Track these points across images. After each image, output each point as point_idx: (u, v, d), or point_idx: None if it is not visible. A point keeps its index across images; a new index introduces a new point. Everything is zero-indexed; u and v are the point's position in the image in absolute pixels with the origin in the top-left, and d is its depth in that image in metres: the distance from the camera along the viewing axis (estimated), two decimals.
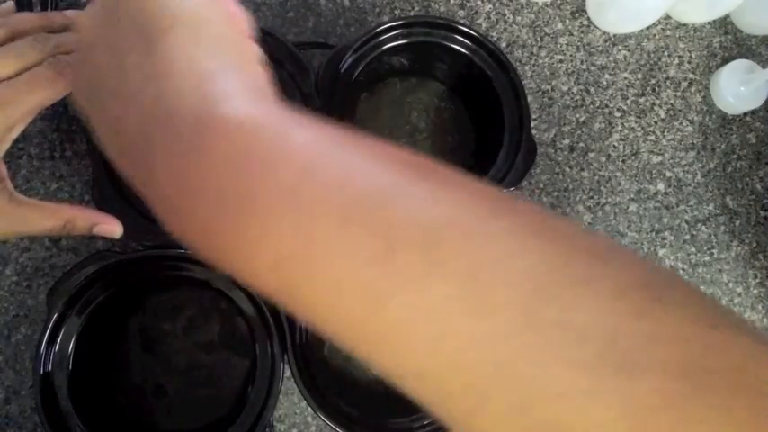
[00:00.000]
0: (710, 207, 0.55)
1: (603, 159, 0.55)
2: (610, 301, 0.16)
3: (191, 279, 0.41)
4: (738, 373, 0.15)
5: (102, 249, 0.41)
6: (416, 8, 0.55)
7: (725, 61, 0.57)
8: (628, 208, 0.54)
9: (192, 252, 0.21)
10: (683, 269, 0.54)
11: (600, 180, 0.54)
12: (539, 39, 0.56)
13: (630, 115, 0.56)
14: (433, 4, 0.55)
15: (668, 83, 0.57)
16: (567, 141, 0.55)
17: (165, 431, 0.44)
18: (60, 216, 0.35)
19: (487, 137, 0.48)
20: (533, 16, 0.56)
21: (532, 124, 0.54)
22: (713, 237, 0.55)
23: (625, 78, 0.56)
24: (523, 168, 0.43)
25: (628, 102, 0.56)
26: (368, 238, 0.17)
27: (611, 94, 0.56)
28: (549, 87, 0.55)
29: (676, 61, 0.57)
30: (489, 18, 0.56)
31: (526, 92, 0.44)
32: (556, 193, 0.54)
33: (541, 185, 0.54)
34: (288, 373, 0.40)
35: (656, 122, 0.56)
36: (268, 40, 0.42)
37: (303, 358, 0.41)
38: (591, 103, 0.55)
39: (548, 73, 0.56)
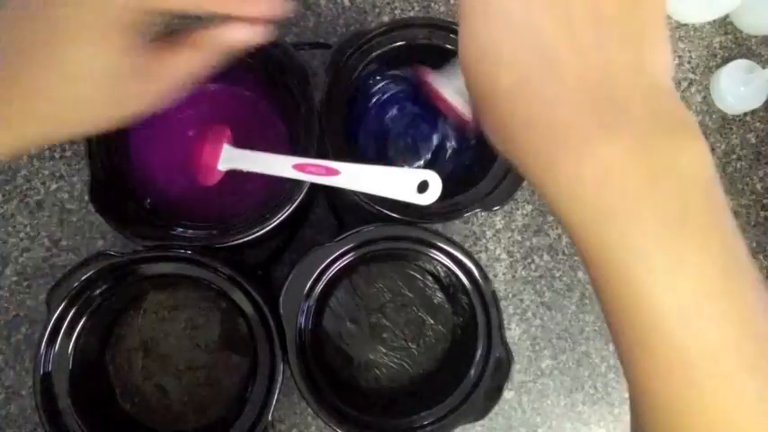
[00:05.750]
0: None
1: None
2: None
3: (191, 279, 0.41)
4: None
5: (102, 249, 0.41)
6: (416, 8, 0.55)
7: (725, 61, 0.57)
8: None
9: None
10: None
11: None
12: None
13: None
14: (433, 4, 0.55)
15: None
16: None
17: (164, 431, 0.44)
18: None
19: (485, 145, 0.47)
20: None
21: None
22: None
23: None
24: (510, 189, 0.43)
25: None
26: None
27: None
28: None
29: (676, 61, 0.57)
30: None
31: None
32: None
33: None
34: (288, 373, 0.40)
35: None
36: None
37: (303, 358, 0.41)
38: None
39: None
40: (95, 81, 0.23)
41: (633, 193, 0.19)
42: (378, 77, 0.48)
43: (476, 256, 0.43)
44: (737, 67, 0.56)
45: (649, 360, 0.20)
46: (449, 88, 0.39)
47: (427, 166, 0.48)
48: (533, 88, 0.21)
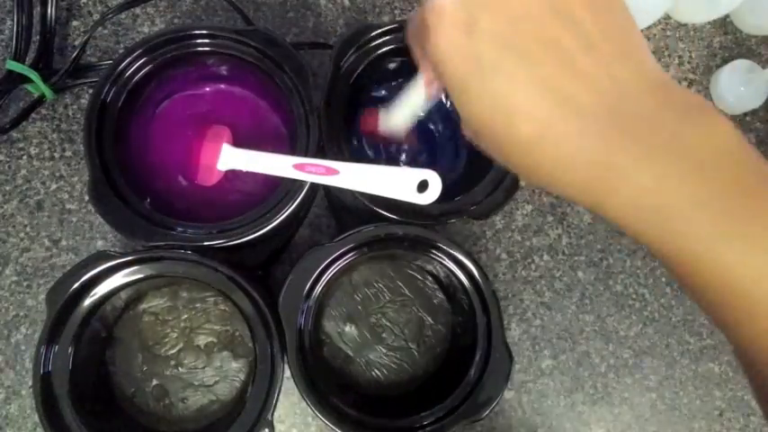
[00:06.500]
0: None
1: None
2: None
3: (190, 279, 0.41)
4: None
5: (102, 249, 0.41)
6: (416, 8, 0.55)
7: (725, 61, 0.57)
8: None
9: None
10: None
11: None
12: None
13: None
14: None
15: None
16: None
17: None
18: None
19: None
20: None
21: None
22: None
23: None
24: (501, 201, 0.43)
25: None
26: None
27: None
28: None
29: (676, 61, 0.57)
30: None
31: None
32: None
33: None
34: (288, 373, 0.40)
35: None
36: (266, 40, 0.42)
37: (303, 359, 0.41)
38: None
39: None
40: None
41: (687, 189, 0.20)
42: (378, 77, 0.48)
43: (476, 257, 0.43)
44: (737, 67, 0.56)
45: (752, 322, 0.21)
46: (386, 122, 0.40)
47: (427, 165, 0.48)
48: (556, 131, 0.21)
